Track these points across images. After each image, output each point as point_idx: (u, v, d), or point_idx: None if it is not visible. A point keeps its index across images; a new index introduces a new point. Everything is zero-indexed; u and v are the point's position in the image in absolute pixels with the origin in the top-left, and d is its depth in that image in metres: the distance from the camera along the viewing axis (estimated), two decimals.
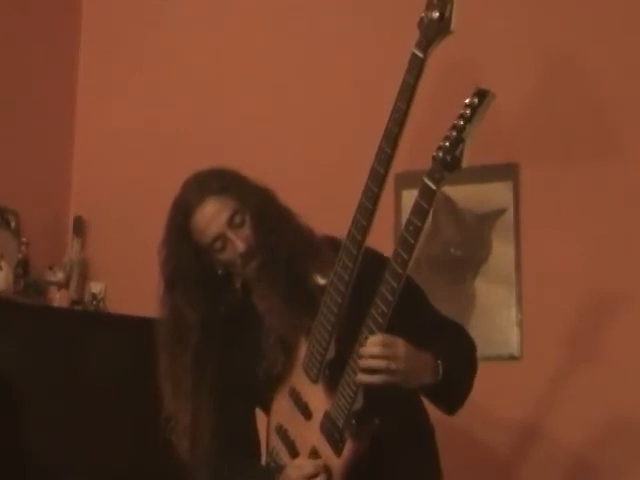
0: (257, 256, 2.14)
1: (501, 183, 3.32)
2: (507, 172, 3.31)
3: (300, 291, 2.12)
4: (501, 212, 3.31)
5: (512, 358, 3.20)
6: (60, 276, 3.71)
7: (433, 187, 1.88)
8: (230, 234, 2.15)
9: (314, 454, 2.04)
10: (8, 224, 3.65)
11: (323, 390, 2.04)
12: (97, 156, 4.00)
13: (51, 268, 3.71)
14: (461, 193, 3.36)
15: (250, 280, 2.18)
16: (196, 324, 2.19)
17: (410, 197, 3.39)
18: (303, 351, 2.08)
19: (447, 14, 1.93)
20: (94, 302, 3.76)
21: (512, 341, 3.22)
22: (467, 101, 1.90)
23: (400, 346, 1.94)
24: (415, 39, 1.99)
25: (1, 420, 2.96)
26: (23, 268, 3.57)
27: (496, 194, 3.32)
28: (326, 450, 2.01)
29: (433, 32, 1.94)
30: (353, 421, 1.96)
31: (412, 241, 1.87)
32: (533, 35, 3.35)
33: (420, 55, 1.94)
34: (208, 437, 2.16)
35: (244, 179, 2.24)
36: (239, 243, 2.14)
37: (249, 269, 2.16)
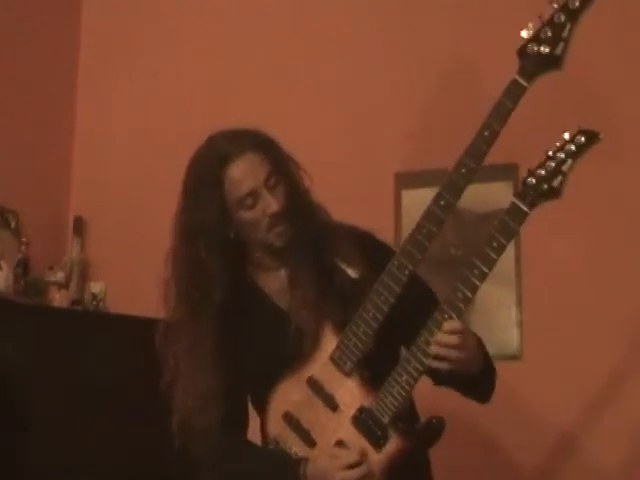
0: (286, 222, 2.12)
1: (501, 183, 3.32)
2: (507, 172, 3.31)
3: (326, 278, 2.11)
4: (501, 212, 3.30)
5: (512, 358, 3.20)
6: (60, 276, 3.71)
7: (525, 209, 2.01)
8: (264, 192, 2.11)
9: (341, 446, 2.04)
10: (8, 224, 3.64)
11: (357, 385, 2.05)
12: (97, 156, 4.00)
13: (51, 268, 3.71)
14: None
15: (267, 248, 2.16)
16: (220, 278, 2.14)
17: (410, 197, 3.45)
18: (327, 340, 2.08)
19: (559, 52, 2.04)
20: (94, 302, 3.76)
21: (512, 341, 3.22)
22: (568, 136, 2.00)
23: (470, 336, 2.01)
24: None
25: (1, 420, 2.96)
26: (23, 268, 3.57)
27: (496, 194, 3.32)
28: (360, 444, 2.02)
29: (541, 67, 2.04)
30: (399, 422, 2.00)
31: (494, 257, 1.97)
32: None
33: (524, 84, 2.03)
34: (216, 409, 2.12)
35: (279, 144, 2.22)
36: (273, 201, 2.09)
37: (273, 233, 2.12)
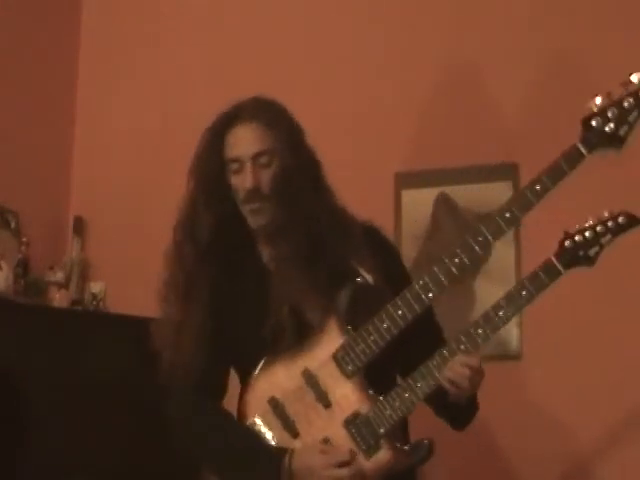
0: (261, 202, 2.14)
1: (501, 183, 3.32)
2: (507, 172, 3.31)
3: (340, 277, 2.11)
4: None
5: (512, 358, 3.20)
6: (60, 276, 3.71)
7: (560, 269, 2.08)
8: (248, 165, 2.15)
9: (327, 444, 2.05)
10: (8, 224, 3.64)
11: (355, 389, 2.06)
12: (97, 156, 4.00)
13: (51, 268, 3.71)
14: (461, 193, 3.37)
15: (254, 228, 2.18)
16: (209, 223, 2.18)
17: (410, 197, 3.45)
18: (332, 337, 2.08)
19: (622, 134, 2.04)
20: (94, 302, 3.76)
21: (512, 341, 3.22)
22: (609, 214, 2.10)
23: (482, 375, 2.05)
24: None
25: (0, 420, 2.96)
26: (23, 268, 3.57)
27: (496, 194, 3.31)
28: (348, 447, 2.03)
29: (603, 143, 2.05)
30: (393, 436, 2.04)
31: (522, 304, 2.05)
32: (533, 35, 3.35)
33: (584, 153, 2.05)
34: (204, 349, 2.14)
35: (300, 133, 2.25)
36: (249, 178, 2.14)
37: (246, 209, 2.16)
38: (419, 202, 3.42)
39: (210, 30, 3.89)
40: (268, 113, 2.21)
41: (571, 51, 3.31)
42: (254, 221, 2.17)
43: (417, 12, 3.55)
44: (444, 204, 3.38)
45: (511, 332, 3.22)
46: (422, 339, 2.10)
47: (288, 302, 2.09)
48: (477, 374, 2.04)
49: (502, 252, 3.28)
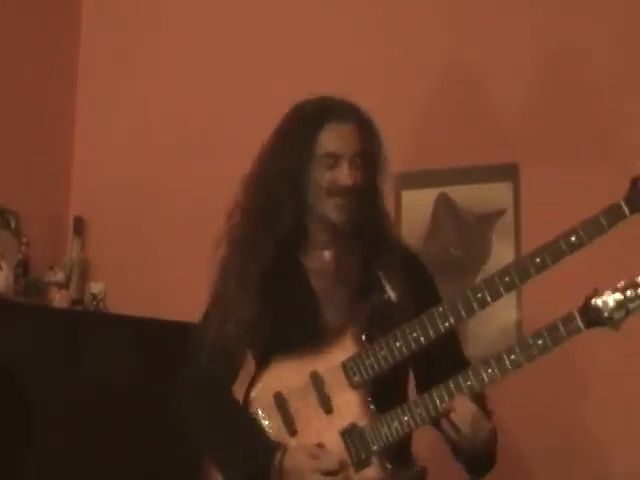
0: (350, 199, 2.14)
1: (501, 183, 3.32)
2: (507, 172, 3.31)
3: (365, 286, 2.11)
4: (501, 212, 3.31)
5: None
6: (60, 276, 3.71)
7: (581, 326, 2.02)
8: (346, 164, 2.14)
9: (321, 448, 2.05)
10: (8, 224, 3.65)
11: (358, 401, 2.06)
12: (97, 156, 4.01)
13: (51, 268, 3.72)
14: (461, 193, 3.37)
15: (321, 221, 2.17)
16: (292, 213, 2.17)
17: (410, 197, 3.45)
18: (346, 344, 2.08)
19: None
20: (94, 302, 3.76)
21: (512, 341, 3.21)
22: None
23: (483, 432, 2.02)
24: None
25: (1, 420, 2.96)
26: (23, 268, 3.58)
27: (496, 194, 3.32)
28: (341, 456, 2.03)
29: None
30: (386, 455, 2.02)
31: (535, 353, 2.06)
32: (533, 35, 3.36)
33: (626, 213, 1.99)
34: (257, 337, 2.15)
35: (383, 148, 2.26)
36: (347, 176, 2.13)
37: (332, 202, 2.15)
38: (419, 202, 3.42)
39: (209, 30, 3.90)
40: (361, 115, 2.21)
41: (571, 51, 3.31)
42: (337, 216, 2.15)
43: (417, 12, 3.56)
44: (444, 204, 3.38)
45: (511, 332, 3.22)
46: (442, 361, 2.11)
47: (344, 302, 2.11)
48: (476, 430, 2.00)
49: (502, 253, 3.28)
